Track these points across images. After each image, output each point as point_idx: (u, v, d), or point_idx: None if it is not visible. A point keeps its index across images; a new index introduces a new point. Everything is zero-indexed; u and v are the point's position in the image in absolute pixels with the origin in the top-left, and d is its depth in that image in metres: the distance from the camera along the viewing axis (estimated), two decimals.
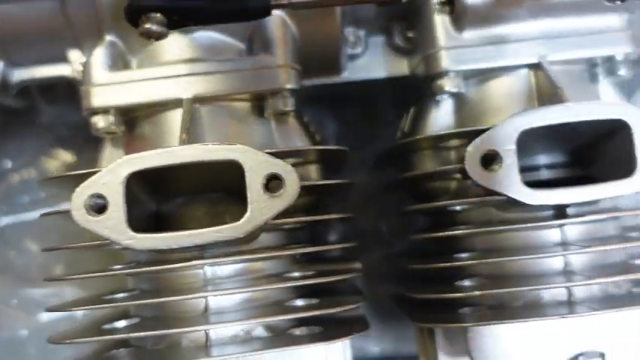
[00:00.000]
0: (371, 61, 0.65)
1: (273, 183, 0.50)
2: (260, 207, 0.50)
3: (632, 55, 0.57)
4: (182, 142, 0.51)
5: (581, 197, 0.50)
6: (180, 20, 0.42)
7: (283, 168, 0.50)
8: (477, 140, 0.50)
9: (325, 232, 0.74)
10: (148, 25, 0.40)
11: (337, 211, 0.63)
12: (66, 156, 0.82)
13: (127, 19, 0.41)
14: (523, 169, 0.57)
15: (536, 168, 0.59)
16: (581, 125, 0.51)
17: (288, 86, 0.57)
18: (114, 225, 0.48)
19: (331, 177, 0.67)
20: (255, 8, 0.43)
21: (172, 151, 0.49)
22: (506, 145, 0.50)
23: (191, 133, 0.55)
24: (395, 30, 0.64)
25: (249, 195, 0.50)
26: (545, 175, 0.59)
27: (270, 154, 0.50)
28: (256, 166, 0.50)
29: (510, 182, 0.50)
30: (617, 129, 0.51)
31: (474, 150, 0.50)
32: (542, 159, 0.59)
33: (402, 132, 0.64)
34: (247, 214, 0.50)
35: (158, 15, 0.40)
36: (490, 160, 0.50)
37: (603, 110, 0.50)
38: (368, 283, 0.72)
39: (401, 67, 0.64)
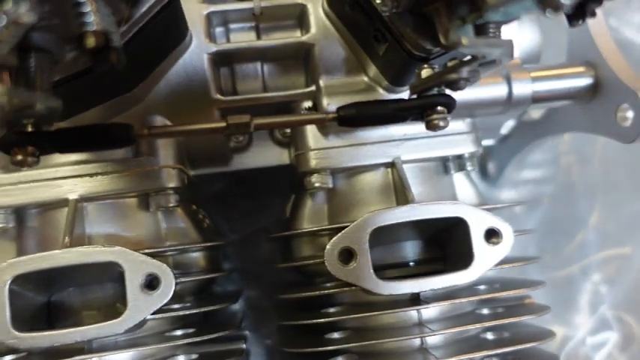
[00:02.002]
0: (256, 152, 0.71)
1: (151, 281, 0.55)
2: (138, 305, 0.54)
3: (477, 153, 0.66)
4: (64, 245, 0.56)
5: (424, 287, 0.57)
6: (49, 149, 0.46)
7: (159, 268, 0.55)
8: (335, 239, 0.57)
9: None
10: (20, 157, 0.45)
11: None
12: None
13: (1, 150, 0.45)
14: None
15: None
16: (431, 219, 0.58)
17: (171, 185, 0.62)
18: None
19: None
20: (118, 138, 0.48)
21: (52, 255, 0.54)
22: (360, 243, 0.56)
23: (77, 233, 0.59)
24: None
25: (128, 293, 0.54)
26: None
27: (149, 254, 0.55)
28: (134, 266, 0.55)
29: (364, 275, 0.56)
30: (459, 223, 0.58)
31: (332, 247, 0.56)
32: (409, 245, 0.66)
33: (286, 216, 0.70)
34: (126, 312, 0.54)
35: (29, 147, 0.45)
36: (346, 255, 0.57)
37: (442, 209, 0.58)
38: None
39: (283, 157, 0.70)
